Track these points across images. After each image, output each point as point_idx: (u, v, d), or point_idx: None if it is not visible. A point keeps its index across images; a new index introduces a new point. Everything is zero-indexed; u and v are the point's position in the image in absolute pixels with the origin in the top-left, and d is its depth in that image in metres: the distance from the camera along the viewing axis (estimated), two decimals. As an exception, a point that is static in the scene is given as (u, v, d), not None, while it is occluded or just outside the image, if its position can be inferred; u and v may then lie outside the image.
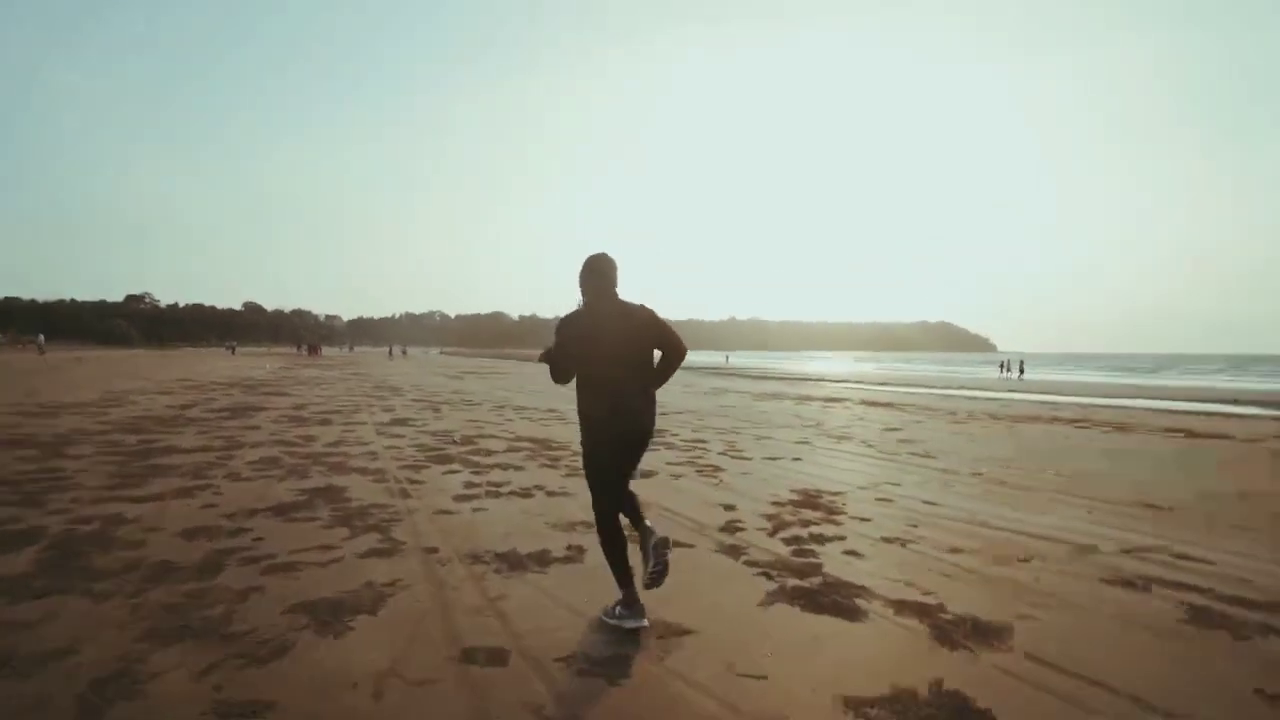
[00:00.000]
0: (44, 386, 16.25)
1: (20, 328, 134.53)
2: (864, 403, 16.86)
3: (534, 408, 12.90)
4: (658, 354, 2.99)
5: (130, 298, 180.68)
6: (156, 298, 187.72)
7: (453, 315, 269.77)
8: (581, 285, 2.94)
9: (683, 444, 8.37)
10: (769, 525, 4.51)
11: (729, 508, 5.00)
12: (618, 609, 2.84)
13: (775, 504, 5.13)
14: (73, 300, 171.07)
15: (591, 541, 3.55)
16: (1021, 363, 41.90)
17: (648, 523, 2.90)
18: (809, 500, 5.26)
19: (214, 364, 35.23)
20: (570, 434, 8.87)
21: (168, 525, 4.23)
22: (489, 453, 7.37)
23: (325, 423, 9.80)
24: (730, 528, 4.43)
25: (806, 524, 4.53)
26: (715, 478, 6.22)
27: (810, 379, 33.24)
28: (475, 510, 4.80)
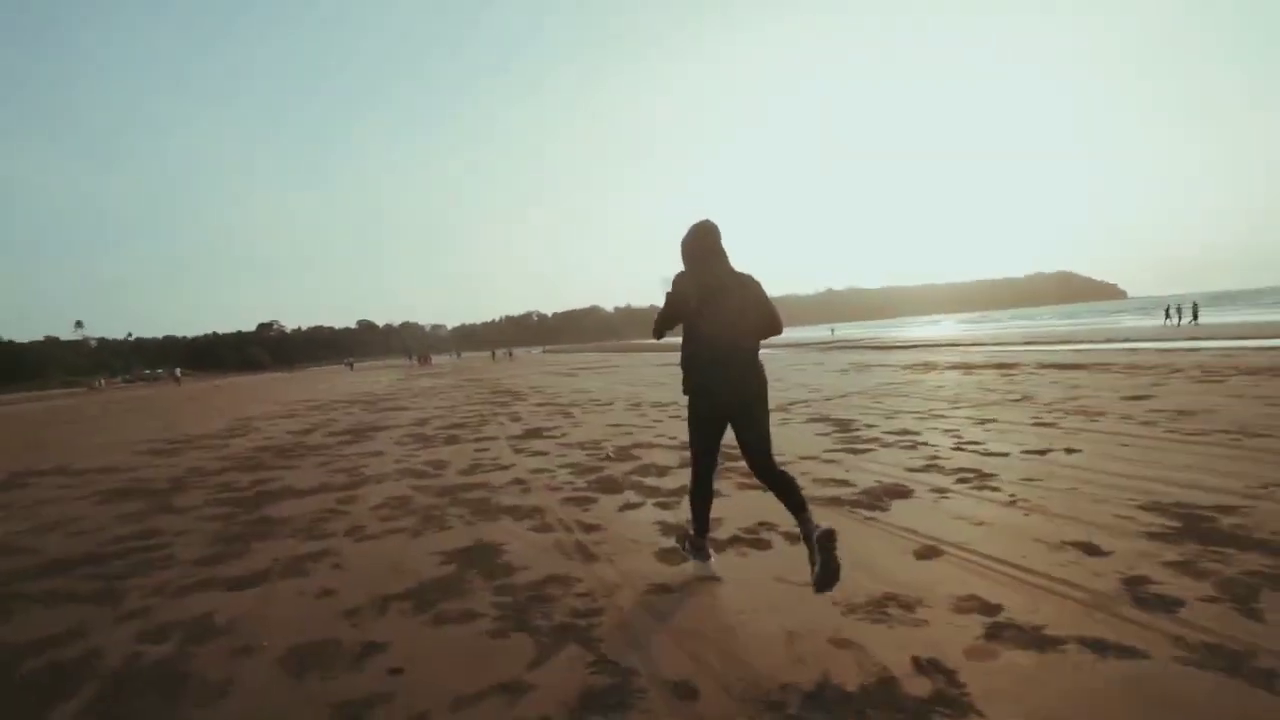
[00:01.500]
0: (181, 418, 16.33)
1: (176, 362, 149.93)
2: (1047, 366, 14.11)
3: (673, 402, 11.27)
4: None
5: (261, 326, 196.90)
6: (283, 324, 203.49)
7: (550, 314, 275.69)
8: (687, 252, 2.94)
9: (892, 437, 6.46)
10: (1189, 577, 2.59)
11: (1085, 548, 3.11)
12: (688, 544, 3.22)
13: (1142, 533, 3.19)
14: (214, 334, 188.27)
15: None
16: (1195, 305, 36.28)
17: (808, 513, 2.76)
18: (1185, 520, 3.27)
19: (334, 381, 36.23)
20: None
21: (269, 635, 2.84)
22: (661, 470, 5.76)
23: (453, 440, 8.57)
24: (1141, 593, 2.55)
25: (1227, 561, 2.60)
26: (995, 489, 4.31)
27: (942, 344, 29.94)
28: (701, 582, 3.15)
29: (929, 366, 16.26)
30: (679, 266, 2.98)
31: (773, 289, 3.04)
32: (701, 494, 3.02)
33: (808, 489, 3.83)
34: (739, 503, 4.47)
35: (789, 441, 6.67)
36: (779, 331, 2.98)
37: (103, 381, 76.42)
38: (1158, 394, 8.12)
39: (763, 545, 3.62)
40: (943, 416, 7.70)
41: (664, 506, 4.58)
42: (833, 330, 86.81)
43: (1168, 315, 37.46)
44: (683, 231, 2.96)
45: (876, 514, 4.01)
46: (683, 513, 4.19)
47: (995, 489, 4.34)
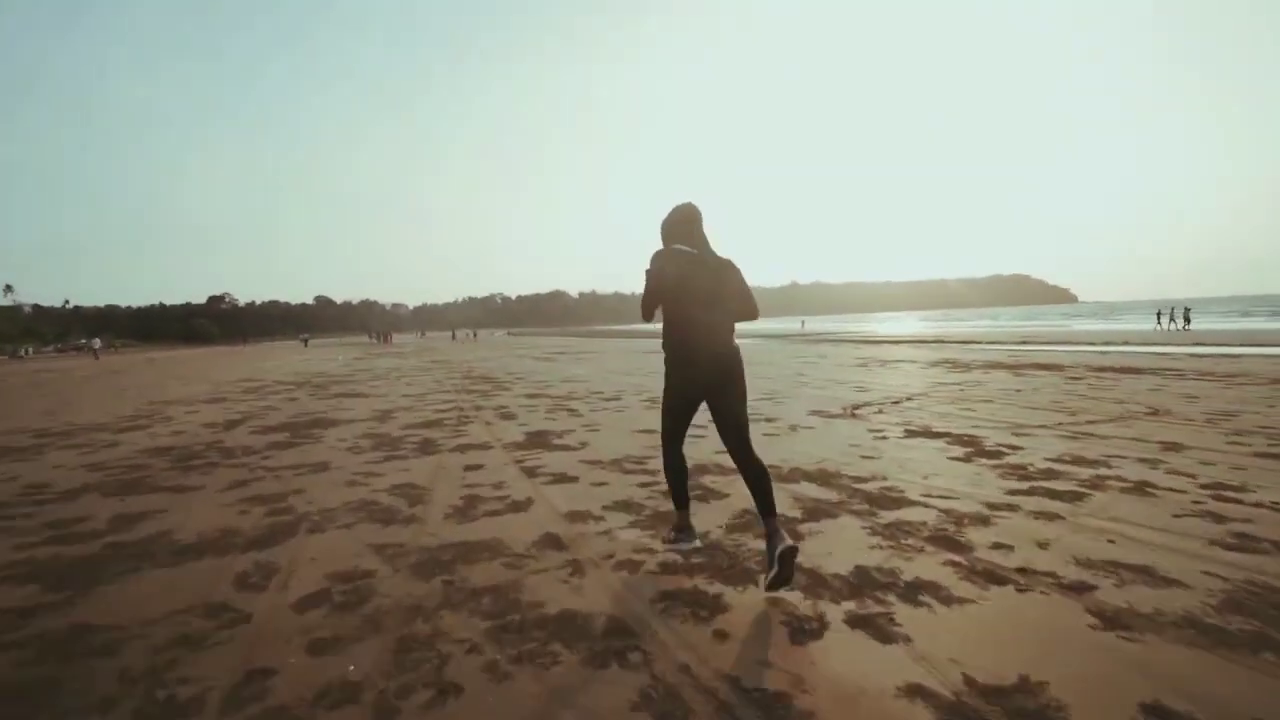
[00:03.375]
0: (80, 399, 13.47)
1: (117, 332, 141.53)
2: (1114, 370, 12.34)
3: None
4: None
5: (212, 299, 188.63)
6: (235, 297, 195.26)
7: (514, 297, 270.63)
8: (667, 232, 2.94)
9: (990, 441, 4.36)
10: None
11: None
12: (673, 533, 3.17)
13: None
14: (162, 305, 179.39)
15: None
16: (1187, 310, 35.54)
17: (775, 519, 2.77)
18: None
19: (285, 358, 33.06)
20: (827, 451, 5.00)
21: None
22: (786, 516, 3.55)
23: (428, 448, 6.21)
24: None
25: None
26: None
27: (923, 341, 28.35)
28: None
29: (956, 365, 14.37)
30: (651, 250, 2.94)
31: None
32: (674, 467, 3.07)
33: None
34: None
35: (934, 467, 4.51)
36: (755, 317, 2.99)
37: (29, 350, 70.72)
38: (1226, 404, 6.21)
39: None
40: (1100, 437, 5.65)
41: (813, 592, 2.35)
42: (803, 323, 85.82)
43: (1159, 319, 36.76)
44: (660, 214, 2.99)
45: None
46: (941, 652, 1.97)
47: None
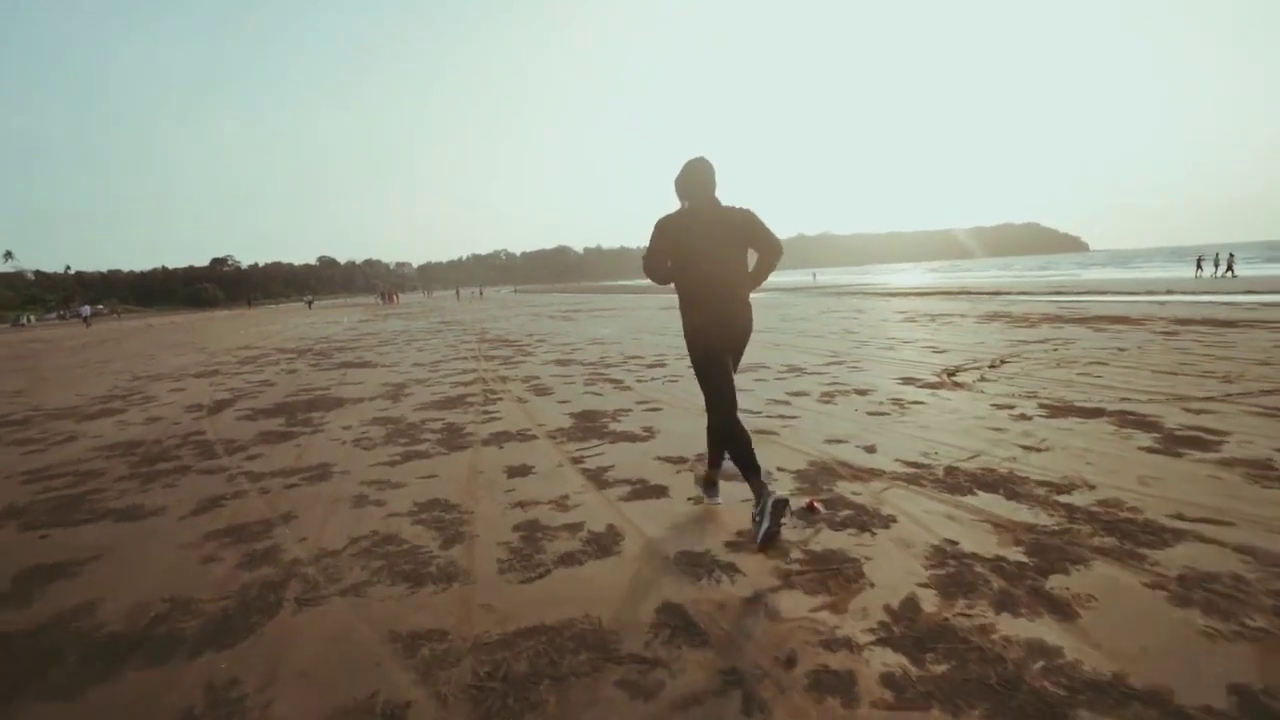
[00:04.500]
0: (57, 375, 12.27)
1: (120, 297, 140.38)
2: (1113, 320, 10.95)
3: (815, 368, 7.79)
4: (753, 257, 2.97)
5: (215, 261, 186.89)
6: (238, 259, 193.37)
7: (518, 253, 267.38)
8: (679, 189, 2.91)
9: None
10: None
11: None
12: (702, 484, 3.30)
13: None
14: (164, 268, 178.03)
15: None
16: (1231, 256, 33.63)
17: (762, 477, 2.77)
18: None
19: (288, 321, 31.84)
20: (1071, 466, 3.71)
21: None
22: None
23: (456, 439, 4.96)
24: None
25: None
26: None
27: (954, 293, 26.81)
28: None
29: (1014, 319, 12.98)
30: (663, 208, 2.98)
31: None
32: (727, 438, 2.91)
33: None
34: None
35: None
36: (778, 253, 2.97)
37: (31, 318, 69.71)
38: None
39: None
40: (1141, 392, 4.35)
41: None
42: (814, 275, 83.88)
43: (1199, 266, 34.91)
44: (665, 167, 3.07)
45: None
46: None
47: None
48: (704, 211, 2.86)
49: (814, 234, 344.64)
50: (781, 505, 2.63)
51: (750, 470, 2.78)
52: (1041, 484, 3.40)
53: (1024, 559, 2.54)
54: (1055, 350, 8.47)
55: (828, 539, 2.82)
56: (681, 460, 4.09)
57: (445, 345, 13.19)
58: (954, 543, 2.72)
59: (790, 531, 2.89)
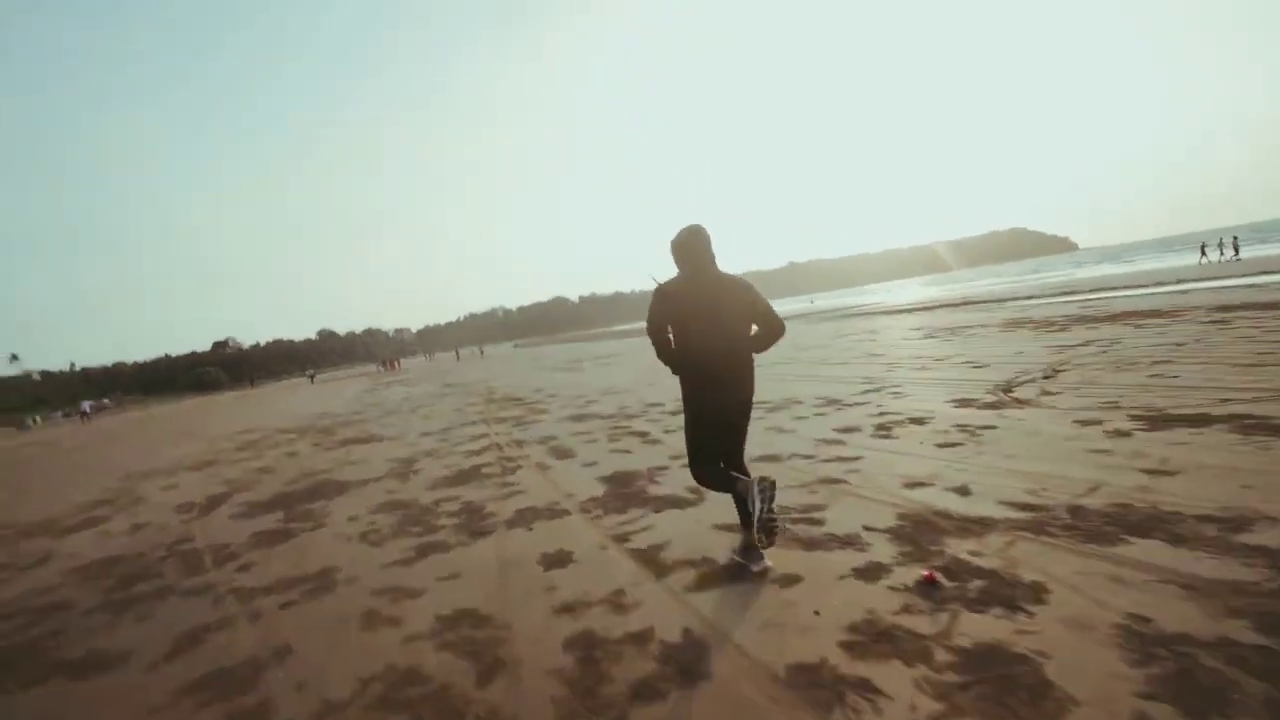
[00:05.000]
0: (44, 480, 11.64)
1: (124, 389, 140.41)
2: (1148, 315, 10.40)
3: (785, 401, 7.19)
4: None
5: (216, 344, 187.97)
6: (240, 340, 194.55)
7: (514, 308, 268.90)
8: (678, 256, 2.92)
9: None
10: None
11: None
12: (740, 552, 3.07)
13: None
14: (167, 356, 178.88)
15: None
16: (1235, 240, 33.23)
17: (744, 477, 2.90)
18: None
19: (290, 399, 31.30)
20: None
21: None
22: None
23: (477, 523, 4.34)
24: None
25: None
26: None
27: (958, 304, 26.30)
28: None
29: (1040, 324, 12.41)
30: (657, 260, 3.27)
31: (736, 266, 2.51)
32: (712, 484, 3.02)
33: None
34: None
35: None
36: (779, 332, 2.98)
37: (38, 419, 69.35)
38: None
39: None
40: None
41: None
42: (812, 300, 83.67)
43: (1203, 253, 34.48)
44: (670, 232, 2.96)
45: None
46: None
47: None
48: (705, 279, 2.88)
49: (804, 260, 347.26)
50: (769, 485, 2.71)
51: (730, 484, 2.95)
52: (1203, 519, 2.76)
53: (1261, 639, 1.89)
54: (1105, 353, 7.88)
55: (972, 626, 2.17)
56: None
57: (451, 410, 12.59)
58: (1145, 619, 2.08)
59: (921, 619, 2.24)
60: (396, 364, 67.99)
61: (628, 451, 5.91)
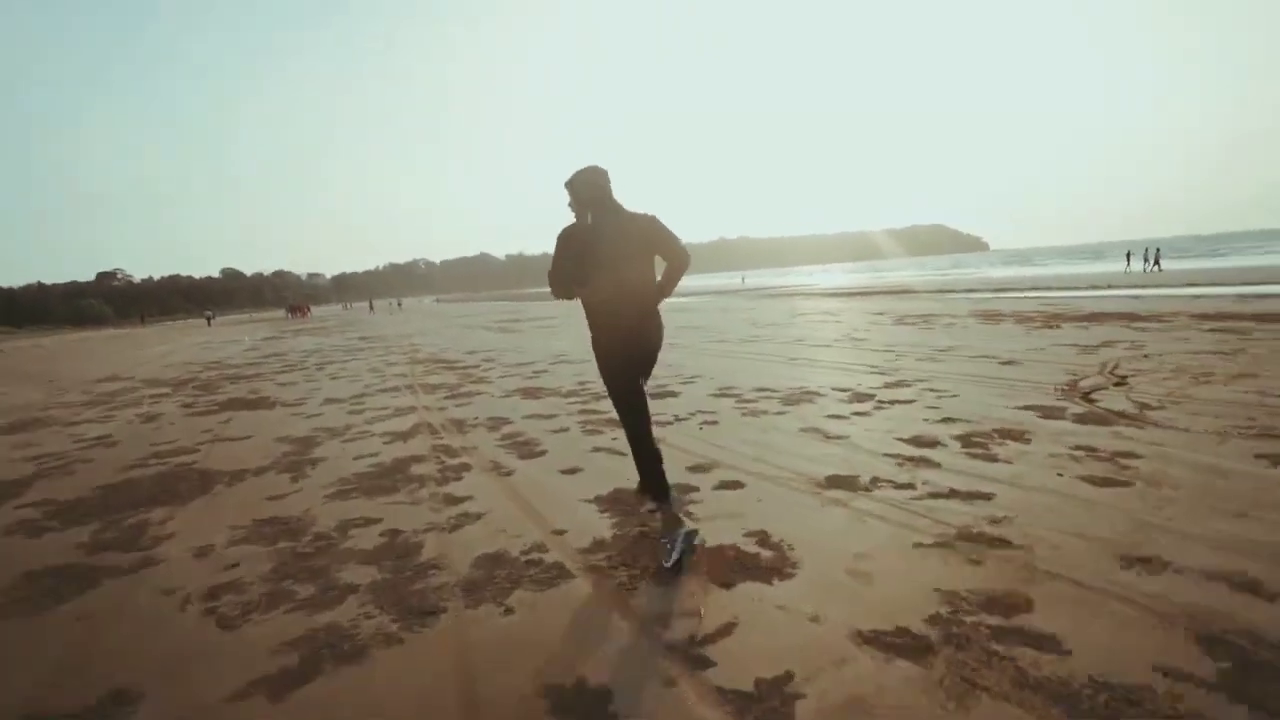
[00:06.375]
0: None
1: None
2: (1131, 318, 9.78)
3: (879, 392, 5.77)
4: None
5: (101, 275, 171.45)
6: (129, 273, 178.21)
7: (437, 262, 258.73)
8: (575, 199, 2.78)
9: None
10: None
11: None
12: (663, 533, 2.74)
13: None
14: (41, 284, 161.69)
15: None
16: (1157, 251, 34.32)
17: (671, 506, 2.75)
18: None
19: (180, 341, 27.74)
20: None
21: None
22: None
23: (410, 585, 2.67)
24: None
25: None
26: None
27: (898, 291, 25.95)
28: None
29: (1024, 318, 11.56)
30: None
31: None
32: (642, 450, 2.82)
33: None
34: None
35: None
36: (684, 261, 2.79)
37: None
38: None
39: None
40: None
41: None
42: (743, 278, 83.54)
43: (1128, 261, 35.63)
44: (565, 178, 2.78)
45: None
46: None
47: None
48: (606, 221, 2.75)
49: (734, 237, 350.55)
50: (693, 537, 2.60)
51: (661, 494, 2.75)
52: None
53: None
54: (1146, 357, 6.83)
55: None
56: (908, 636, 1.93)
57: (368, 370, 10.55)
58: None
59: None
60: (306, 311, 63.35)
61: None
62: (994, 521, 2.81)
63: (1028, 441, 4.00)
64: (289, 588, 2.62)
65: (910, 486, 3.33)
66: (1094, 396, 5.15)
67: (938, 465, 3.65)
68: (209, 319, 62.43)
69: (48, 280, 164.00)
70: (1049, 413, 4.68)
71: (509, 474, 4.04)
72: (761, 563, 2.57)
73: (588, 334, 2.93)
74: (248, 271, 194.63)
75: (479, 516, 3.29)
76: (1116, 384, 5.64)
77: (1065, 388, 5.52)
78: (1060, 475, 3.37)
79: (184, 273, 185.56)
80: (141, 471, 4.76)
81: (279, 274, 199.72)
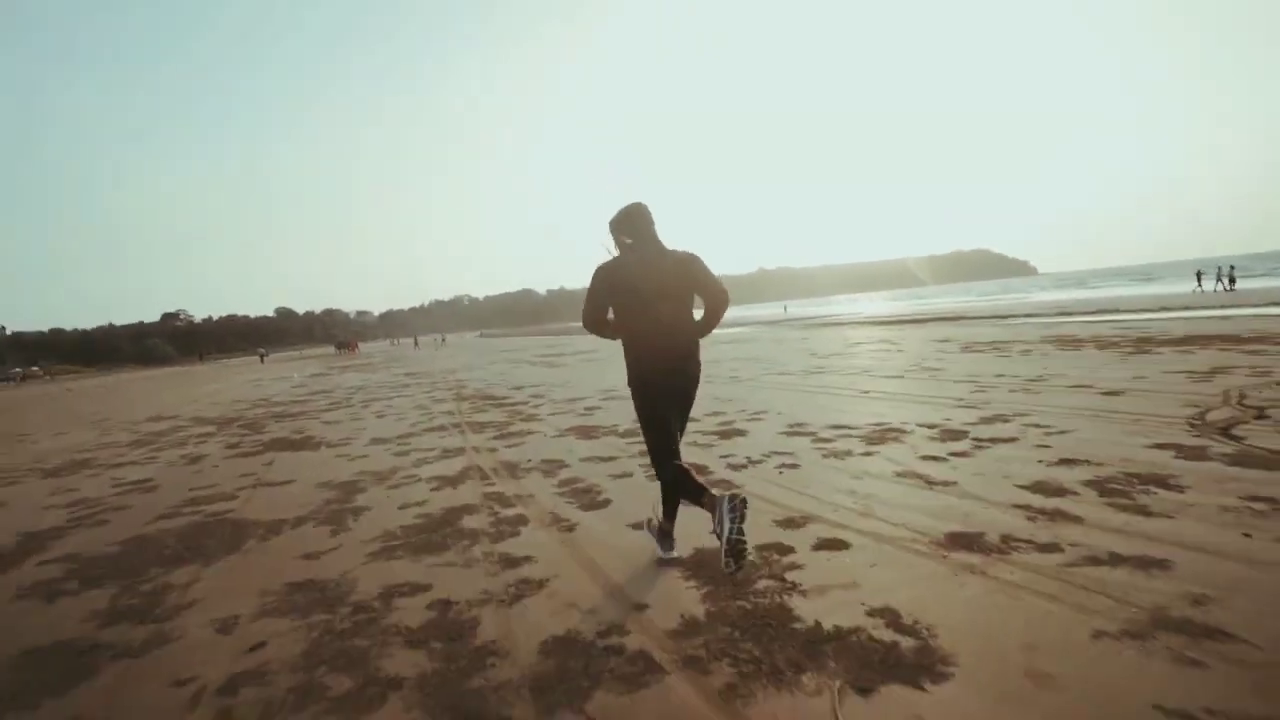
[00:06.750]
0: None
1: (64, 357, 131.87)
2: (1218, 339, 8.76)
3: (980, 427, 5.15)
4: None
5: (166, 316, 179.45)
6: (191, 313, 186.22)
7: (481, 298, 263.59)
8: (618, 233, 2.77)
9: None
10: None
11: None
12: (655, 529, 2.92)
13: None
14: (111, 325, 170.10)
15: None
16: (1232, 270, 32.48)
17: (714, 491, 2.44)
18: None
19: (232, 379, 28.32)
20: None
21: None
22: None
23: (463, 681, 2.13)
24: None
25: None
26: None
27: (949, 318, 24.85)
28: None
29: (1106, 342, 10.64)
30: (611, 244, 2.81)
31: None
32: (671, 479, 2.71)
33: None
34: None
35: None
36: (723, 301, 2.77)
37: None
38: None
39: None
40: None
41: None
42: (785, 308, 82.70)
43: (1199, 281, 33.79)
44: (603, 218, 2.82)
45: None
46: None
47: None
48: (648, 258, 2.70)
49: (774, 268, 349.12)
50: (740, 502, 2.26)
51: (699, 495, 2.48)
52: None
53: None
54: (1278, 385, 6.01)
55: None
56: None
57: (414, 407, 10.27)
58: None
59: None
60: (355, 346, 64.81)
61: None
62: (1196, 602, 2.21)
63: (1180, 490, 3.35)
64: (321, 679, 2.17)
65: (1056, 549, 2.73)
66: (1235, 432, 4.45)
67: (1079, 520, 3.04)
68: (262, 356, 64.27)
69: (118, 321, 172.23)
70: (1189, 453, 4.00)
71: (571, 528, 3.56)
72: (903, 656, 2.02)
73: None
74: (300, 311, 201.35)
75: (542, 584, 2.80)
76: (1256, 417, 4.91)
77: (1196, 421, 4.82)
78: (1248, 536, 2.73)
79: (240, 312, 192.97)
80: (174, 521, 4.43)
81: (329, 312, 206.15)
